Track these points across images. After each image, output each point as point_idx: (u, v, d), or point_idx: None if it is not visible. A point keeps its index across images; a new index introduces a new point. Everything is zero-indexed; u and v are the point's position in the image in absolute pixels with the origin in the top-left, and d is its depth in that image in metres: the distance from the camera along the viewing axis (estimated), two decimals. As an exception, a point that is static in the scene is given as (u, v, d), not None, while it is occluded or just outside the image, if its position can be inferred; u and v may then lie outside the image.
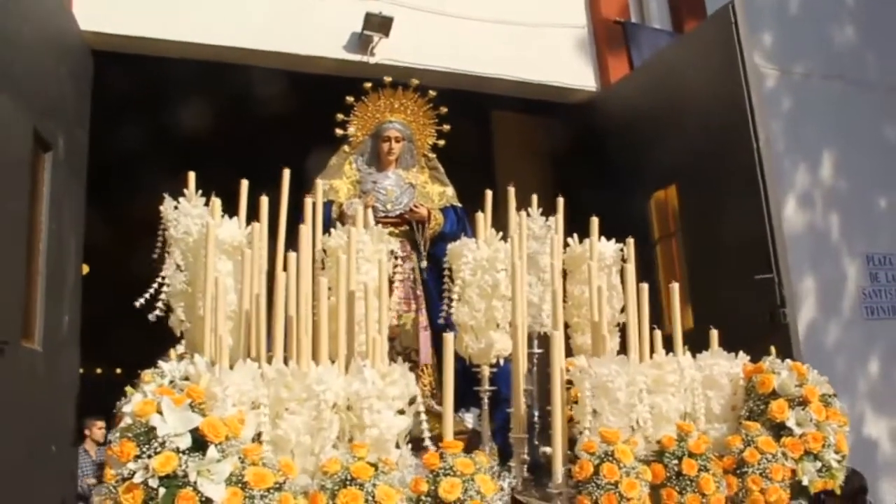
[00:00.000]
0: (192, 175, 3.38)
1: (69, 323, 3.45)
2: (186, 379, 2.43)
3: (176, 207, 3.32)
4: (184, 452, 2.07)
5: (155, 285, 3.10)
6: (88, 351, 3.93)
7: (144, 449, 2.06)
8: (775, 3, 6.22)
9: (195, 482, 2.05)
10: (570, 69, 5.14)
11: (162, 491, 2.02)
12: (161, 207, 3.34)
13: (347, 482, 2.24)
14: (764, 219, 3.89)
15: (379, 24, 4.18)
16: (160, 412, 2.12)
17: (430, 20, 4.14)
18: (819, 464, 2.92)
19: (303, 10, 4.33)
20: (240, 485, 2.10)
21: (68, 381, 3.63)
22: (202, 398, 2.21)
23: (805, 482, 2.91)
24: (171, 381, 2.45)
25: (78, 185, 3.67)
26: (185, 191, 3.37)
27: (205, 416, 2.15)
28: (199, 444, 2.11)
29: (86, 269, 4.15)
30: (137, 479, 2.02)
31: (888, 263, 6.13)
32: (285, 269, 2.85)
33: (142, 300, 2.98)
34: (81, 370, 3.75)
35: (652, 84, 4.75)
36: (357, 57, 4.16)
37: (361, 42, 4.34)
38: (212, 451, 2.09)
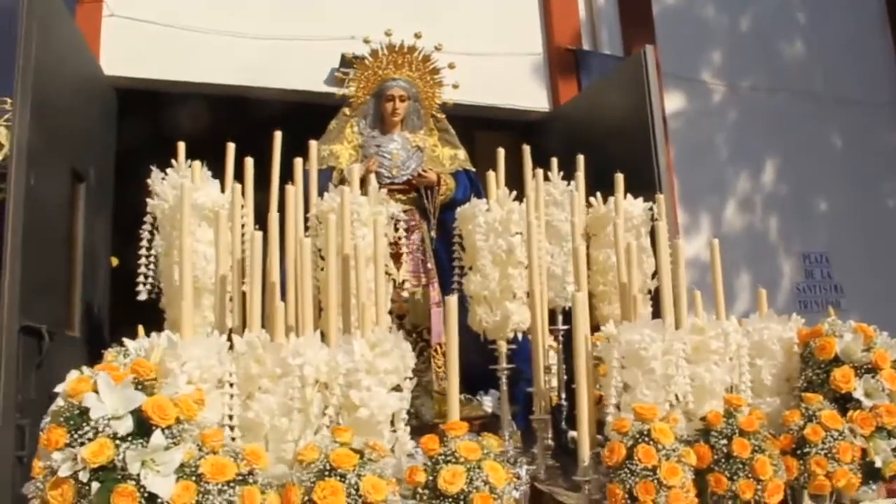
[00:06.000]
0: (181, 145, 3.18)
1: (99, 312, 3.98)
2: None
3: (164, 179, 3.13)
4: (123, 439, 1.70)
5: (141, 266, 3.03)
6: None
7: (76, 436, 1.70)
8: (728, 21, 6.50)
9: (139, 474, 1.69)
10: (526, 92, 5.73)
11: (95, 486, 1.65)
12: (148, 181, 3.17)
13: (327, 473, 1.85)
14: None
15: (352, 62, 4.60)
16: (97, 391, 1.76)
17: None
18: (895, 441, 2.47)
19: (290, 52, 5.10)
20: (194, 477, 1.73)
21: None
22: (150, 374, 1.83)
23: (878, 463, 2.46)
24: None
25: (106, 204, 4.28)
26: (173, 161, 3.17)
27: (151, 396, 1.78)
28: (144, 428, 1.74)
29: (115, 261, 4.49)
30: (64, 472, 1.65)
31: (824, 261, 6.43)
32: (265, 229, 2.49)
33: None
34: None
35: (584, 112, 5.25)
36: (335, 90, 4.54)
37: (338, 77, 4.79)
38: (157, 437, 1.71)
